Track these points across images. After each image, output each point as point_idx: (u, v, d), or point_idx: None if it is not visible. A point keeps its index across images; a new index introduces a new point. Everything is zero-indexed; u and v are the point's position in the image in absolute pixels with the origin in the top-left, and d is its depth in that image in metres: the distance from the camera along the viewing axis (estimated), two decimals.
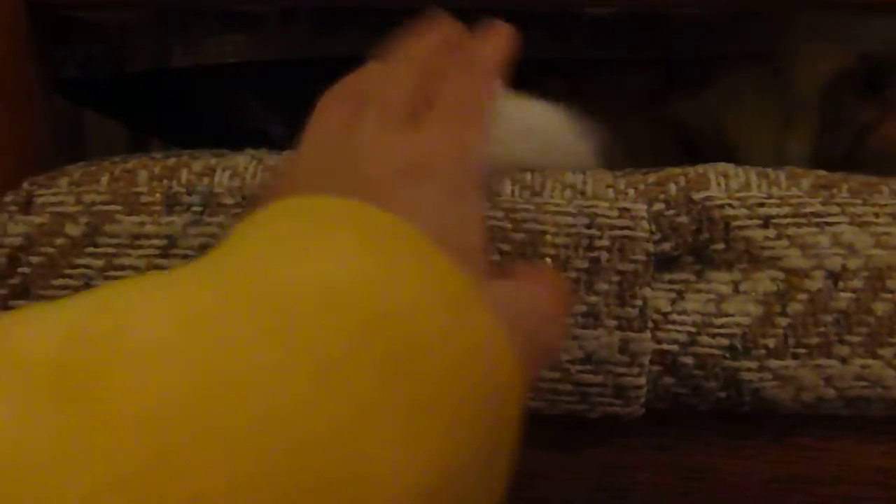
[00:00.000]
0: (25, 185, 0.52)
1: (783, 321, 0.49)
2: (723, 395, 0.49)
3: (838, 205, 0.50)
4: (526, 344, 0.35)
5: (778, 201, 0.50)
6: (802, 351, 0.49)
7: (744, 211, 0.50)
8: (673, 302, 0.49)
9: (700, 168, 0.52)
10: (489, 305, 0.33)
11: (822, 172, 0.53)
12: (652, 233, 0.49)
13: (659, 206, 0.50)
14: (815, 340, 0.49)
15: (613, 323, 0.49)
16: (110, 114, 0.76)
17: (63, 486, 0.20)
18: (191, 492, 0.22)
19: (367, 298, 0.30)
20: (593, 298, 0.49)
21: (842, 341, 0.49)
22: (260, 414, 0.25)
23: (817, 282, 0.49)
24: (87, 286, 0.50)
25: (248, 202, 0.50)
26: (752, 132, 0.57)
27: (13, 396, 0.22)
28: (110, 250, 0.50)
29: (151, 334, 0.25)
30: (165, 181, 0.51)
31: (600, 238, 0.49)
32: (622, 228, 0.49)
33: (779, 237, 0.50)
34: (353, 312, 0.29)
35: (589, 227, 0.49)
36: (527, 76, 0.49)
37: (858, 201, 0.51)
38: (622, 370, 0.49)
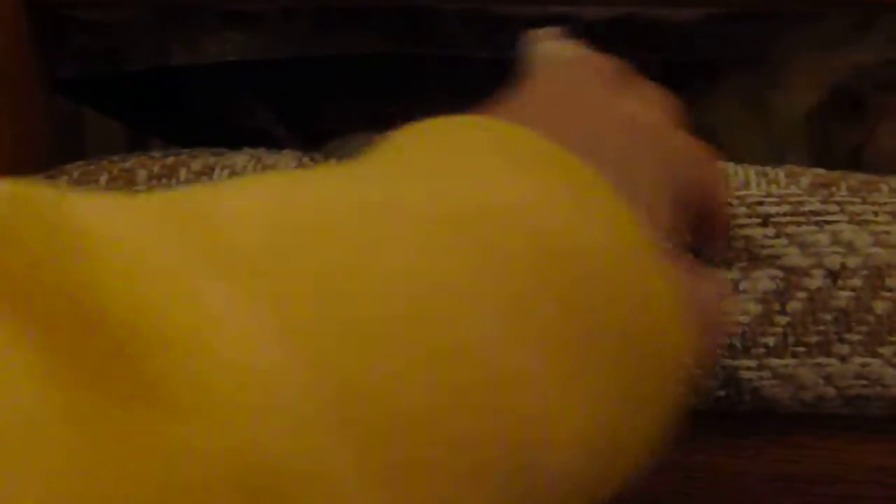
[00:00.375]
0: None
1: (782, 320, 0.49)
2: (722, 393, 0.49)
3: (837, 203, 0.50)
4: (696, 325, 0.34)
5: (777, 200, 0.50)
6: (802, 349, 0.49)
7: (743, 209, 0.50)
8: None
9: None
10: (666, 268, 0.32)
11: (820, 171, 0.52)
12: None
13: None
14: (814, 339, 0.49)
15: None
16: (110, 113, 0.76)
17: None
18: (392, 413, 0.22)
19: (555, 232, 0.29)
20: None
21: (841, 340, 0.49)
22: (454, 346, 0.24)
23: (817, 280, 0.49)
24: None
25: None
26: (745, 154, 0.57)
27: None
28: None
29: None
30: (164, 180, 0.51)
31: None
32: None
33: (778, 235, 0.50)
34: (542, 244, 0.28)
35: None
36: None
37: (857, 199, 0.50)
38: None
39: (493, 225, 0.28)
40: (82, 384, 0.17)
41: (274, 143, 0.55)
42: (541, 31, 0.44)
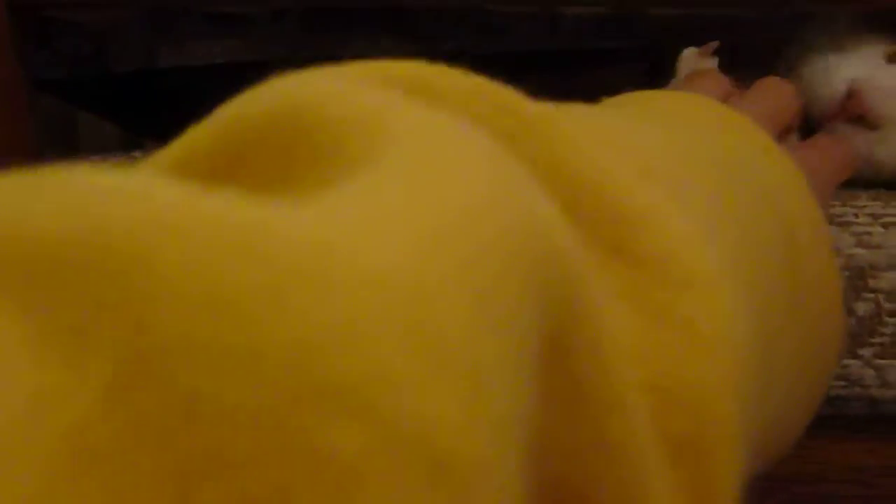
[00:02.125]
0: None
1: None
2: None
3: None
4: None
5: None
6: None
7: None
8: None
9: None
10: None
11: None
12: None
13: None
14: None
15: None
16: (102, 114, 0.75)
17: None
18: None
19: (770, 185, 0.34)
20: None
21: None
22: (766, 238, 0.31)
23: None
24: None
25: None
26: None
27: None
28: None
29: None
30: None
31: None
32: None
33: None
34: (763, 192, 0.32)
35: None
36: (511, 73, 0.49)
37: (837, 203, 0.50)
38: None
39: (741, 174, 0.32)
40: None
41: None
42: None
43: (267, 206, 0.15)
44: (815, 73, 0.52)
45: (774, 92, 0.46)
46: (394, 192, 0.16)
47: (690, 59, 0.54)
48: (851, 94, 0.51)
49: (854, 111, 0.51)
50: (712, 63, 0.53)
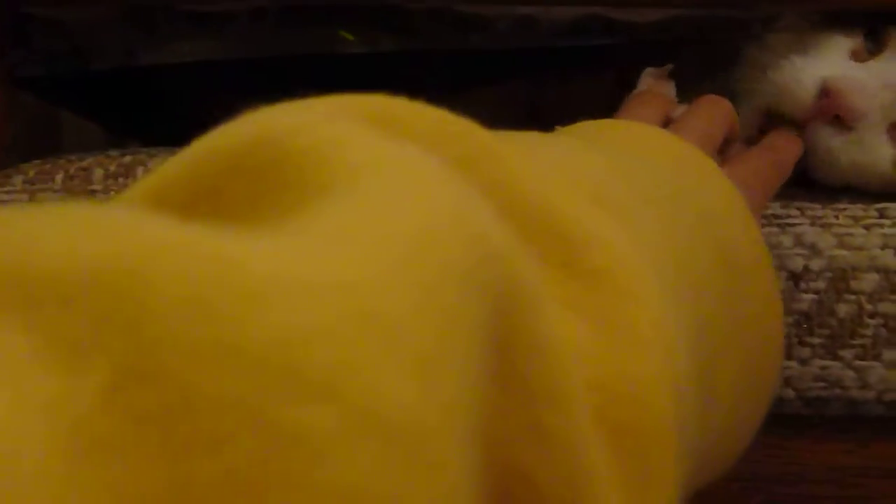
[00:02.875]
0: None
1: None
2: None
3: (798, 208, 0.49)
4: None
5: None
6: None
7: None
8: None
9: None
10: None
11: None
12: None
13: None
14: None
15: None
16: (82, 112, 0.75)
17: None
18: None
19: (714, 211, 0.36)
20: None
21: (802, 343, 0.48)
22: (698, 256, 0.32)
23: (779, 282, 0.48)
24: None
25: None
26: None
27: None
28: None
29: None
30: (121, 179, 0.49)
31: None
32: None
33: None
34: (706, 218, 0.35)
35: None
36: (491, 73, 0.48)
37: (818, 205, 0.49)
38: None
39: (682, 202, 0.34)
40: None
41: None
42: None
43: (241, 232, 0.17)
44: (783, 75, 0.51)
45: (712, 110, 0.47)
46: (354, 213, 0.18)
47: (646, 80, 0.54)
48: (826, 93, 0.49)
49: (830, 110, 0.49)
50: (667, 85, 0.53)
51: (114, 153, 0.51)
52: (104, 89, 0.65)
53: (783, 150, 0.49)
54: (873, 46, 0.51)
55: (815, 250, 0.48)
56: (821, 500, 0.51)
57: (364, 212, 0.18)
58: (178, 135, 0.54)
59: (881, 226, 0.49)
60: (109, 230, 0.16)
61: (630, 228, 0.26)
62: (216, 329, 0.15)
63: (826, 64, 0.50)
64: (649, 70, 0.54)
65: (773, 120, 0.51)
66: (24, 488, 0.13)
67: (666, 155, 0.38)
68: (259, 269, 0.16)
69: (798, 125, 0.50)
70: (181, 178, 0.21)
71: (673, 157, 0.38)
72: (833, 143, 0.50)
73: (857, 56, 0.51)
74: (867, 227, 0.48)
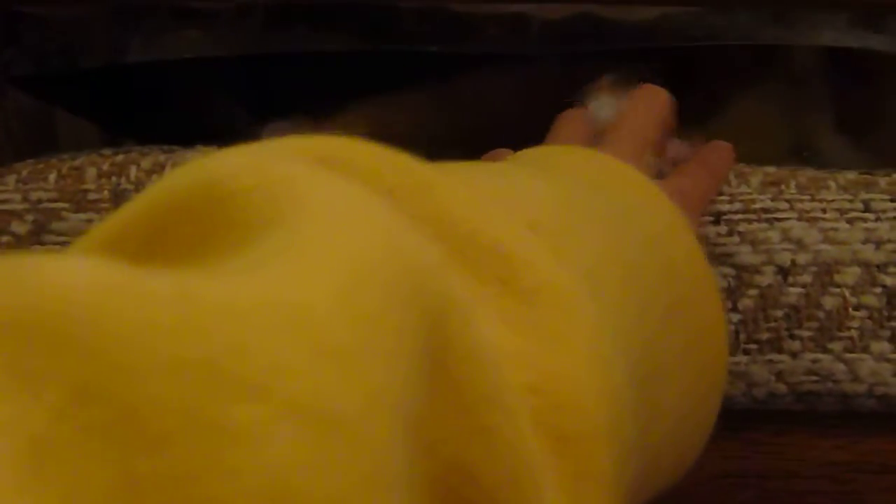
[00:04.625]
0: None
1: (734, 317, 0.48)
2: None
3: (787, 201, 0.50)
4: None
5: (728, 198, 0.50)
6: (753, 346, 0.48)
7: None
8: None
9: None
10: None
11: (770, 169, 0.52)
12: None
13: None
14: (765, 336, 0.48)
15: None
16: (73, 110, 0.74)
17: None
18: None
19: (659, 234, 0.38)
20: None
21: (792, 336, 0.48)
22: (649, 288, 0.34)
23: (767, 277, 0.48)
24: None
25: None
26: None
27: None
28: (57, 248, 0.48)
29: None
30: (114, 178, 0.49)
31: None
32: None
33: (730, 233, 0.49)
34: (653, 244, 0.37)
35: None
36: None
37: (806, 197, 0.50)
38: None
39: (626, 224, 0.36)
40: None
41: (241, 138, 0.53)
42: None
43: (183, 269, 0.19)
44: None
45: (648, 103, 0.49)
46: (290, 243, 0.20)
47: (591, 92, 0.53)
48: None
49: None
50: (618, 97, 0.53)
51: (107, 152, 0.51)
52: (95, 87, 0.65)
53: (716, 162, 0.50)
54: None
55: (801, 245, 0.49)
56: (813, 496, 0.51)
57: (303, 240, 0.20)
58: (170, 132, 0.54)
59: (864, 220, 0.49)
60: (58, 272, 0.18)
61: (565, 251, 0.28)
62: (154, 350, 0.17)
63: None
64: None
65: None
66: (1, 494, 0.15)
67: (610, 179, 0.40)
68: (197, 297, 0.18)
69: None
70: (131, 224, 0.23)
71: (617, 181, 0.40)
72: None
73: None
74: (850, 222, 0.49)
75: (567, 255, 0.28)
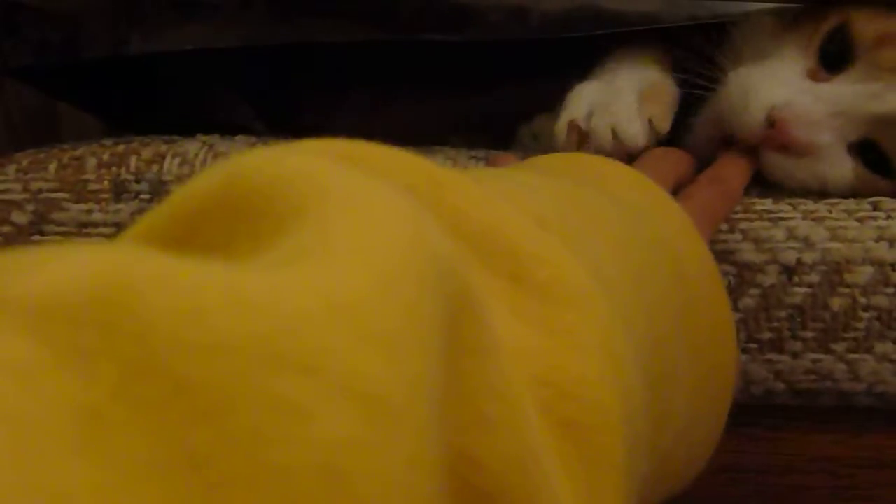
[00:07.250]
0: None
1: (734, 316, 0.47)
2: None
3: (789, 203, 0.49)
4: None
5: None
6: (753, 346, 0.48)
7: None
8: None
9: None
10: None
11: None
12: None
13: None
14: (767, 335, 0.47)
15: None
16: (77, 103, 0.73)
17: None
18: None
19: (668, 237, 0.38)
20: None
21: (795, 337, 0.47)
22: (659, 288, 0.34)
23: (771, 276, 0.47)
24: None
25: None
26: None
27: None
28: (57, 238, 0.47)
29: None
30: (114, 168, 0.48)
31: None
32: None
33: (731, 231, 0.48)
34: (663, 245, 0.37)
35: None
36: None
37: (809, 200, 0.49)
38: None
39: (637, 227, 0.36)
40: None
41: (240, 128, 0.53)
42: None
43: (224, 262, 0.20)
44: (733, 97, 0.49)
45: (665, 160, 0.49)
46: (324, 233, 0.21)
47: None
48: (772, 124, 0.48)
49: (776, 141, 0.48)
50: None
51: (107, 142, 0.51)
52: (96, 78, 0.64)
53: (730, 179, 0.49)
54: (831, 66, 0.49)
55: (808, 243, 0.47)
56: (811, 491, 0.51)
57: (335, 230, 0.21)
58: (171, 123, 0.53)
59: (875, 218, 0.48)
60: (106, 259, 0.18)
61: (574, 248, 0.29)
62: (206, 327, 0.18)
63: (779, 86, 0.48)
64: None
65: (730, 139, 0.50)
66: (62, 463, 0.16)
67: (620, 183, 0.41)
68: (247, 283, 0.19)
69: (750, 149, 0.49)
70: (161, 224, 0.23)
71: (628, 184, 0.41)
72: (786, 166, 0.49)
73: (813, 76, 0.49)
74: (860, 220, 0.48)
75: (577, 253, 0.29)
